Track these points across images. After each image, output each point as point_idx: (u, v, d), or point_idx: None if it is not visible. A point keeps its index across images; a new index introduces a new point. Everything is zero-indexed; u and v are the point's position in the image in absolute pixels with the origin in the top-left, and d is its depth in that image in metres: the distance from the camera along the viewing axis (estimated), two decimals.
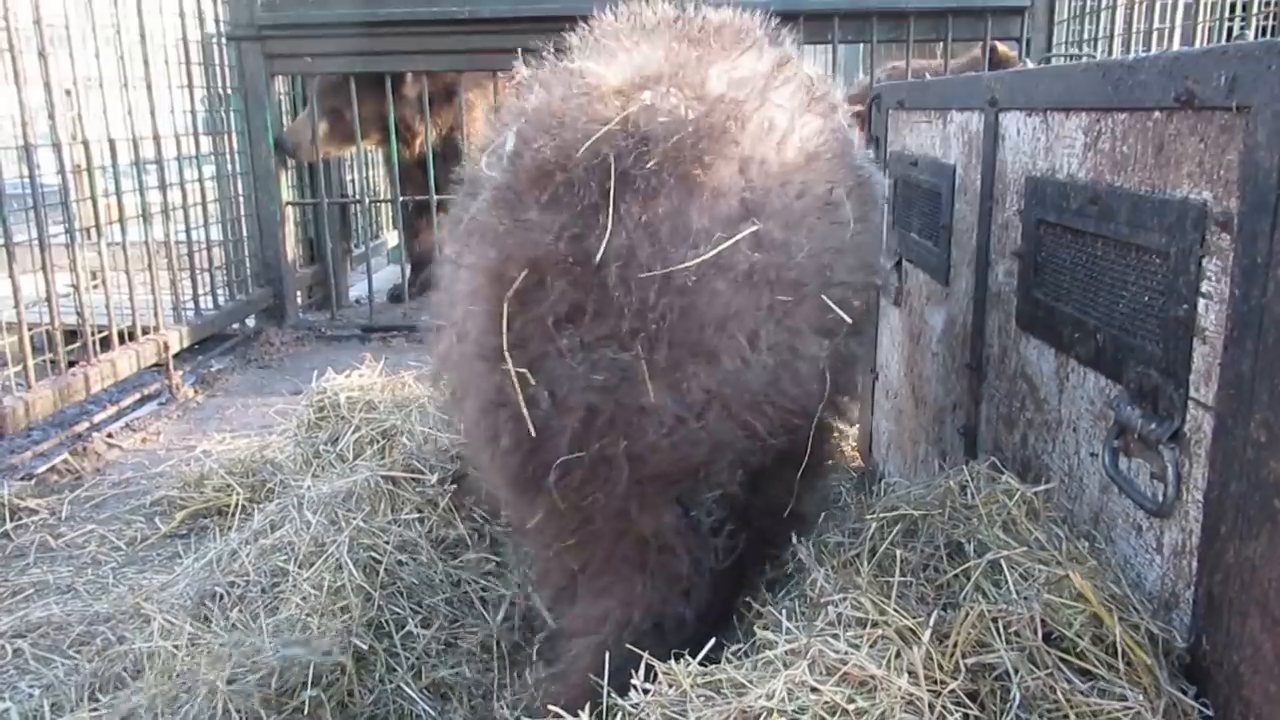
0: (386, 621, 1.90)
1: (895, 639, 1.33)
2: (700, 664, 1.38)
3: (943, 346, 2.22)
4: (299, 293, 5.80)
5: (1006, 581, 1.38)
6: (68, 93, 3.98)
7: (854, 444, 3.11)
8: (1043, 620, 1.29)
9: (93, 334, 3.76)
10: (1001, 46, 5.03)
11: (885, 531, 1.60)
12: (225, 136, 5.19)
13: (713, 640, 1.48)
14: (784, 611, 1.51)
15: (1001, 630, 1.30)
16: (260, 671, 1.79)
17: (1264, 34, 4.62)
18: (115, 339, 3.96)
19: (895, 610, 1.39)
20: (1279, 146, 1.04)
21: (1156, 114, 1.29)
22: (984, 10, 4.88)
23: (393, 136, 5.26)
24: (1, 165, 3.59)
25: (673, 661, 1.38)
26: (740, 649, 1.49)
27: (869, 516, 1.64)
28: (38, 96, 3.62)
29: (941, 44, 5.01)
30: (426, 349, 4.66)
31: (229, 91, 5.21)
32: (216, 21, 5.08)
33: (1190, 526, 1.25)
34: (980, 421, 1.99)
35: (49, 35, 3.64)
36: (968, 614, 1.32)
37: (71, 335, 3.72)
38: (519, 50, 5.06)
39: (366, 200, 6.30)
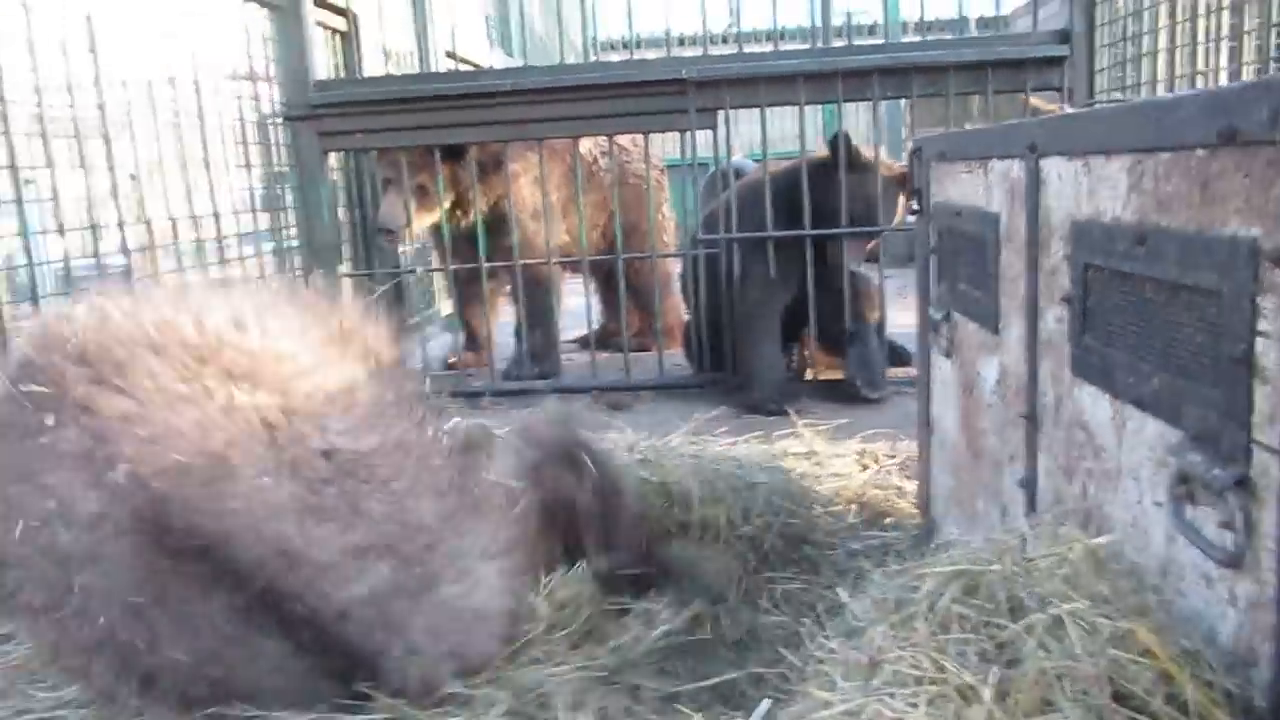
0: None
1: (955, 697, 1.29)
2: None
3: (997, 397, 2.18)
4: None
5: (1070, 637, 1.33)
6: (133, 176, 4.13)
7: (913, 499, 3.06)
8: (1110, 677, 1.24)
9: None
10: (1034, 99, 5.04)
11: (943, 587, 1.55)
12: (282, 212, 5.34)
13: (767, 702, 1.45)
14: (839, 670, 1.48)
15: (1067, 688, 1.25)
16: None
17: None
18: None
19: (954, 667, 1.34)
20: None
21: (1199, 152, 1.27)
22: (1023, 61, 4.88)
23: (442, 205, 5.37)
24: (69, 247, 3.72)
25: None
26: (796, 710, 1.46)
27: (926, 572, 1.60)
28: (103, 180, 3.77)
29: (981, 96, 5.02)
30: (481, 414, 4.69)
31: (285, 169, 5.37)
32: (272, 103, 5.26)
33: (1265, 577, 1.20)
34: (1039, 473, 1.94)
35: (112, 121, 3.79)
36: (1030, 671, 1.28)
37: None
38: (562, 119, 5.19)
39: (419, 270, 6.41)
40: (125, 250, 3.98)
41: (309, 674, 1.78)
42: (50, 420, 1.58)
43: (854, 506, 3.11)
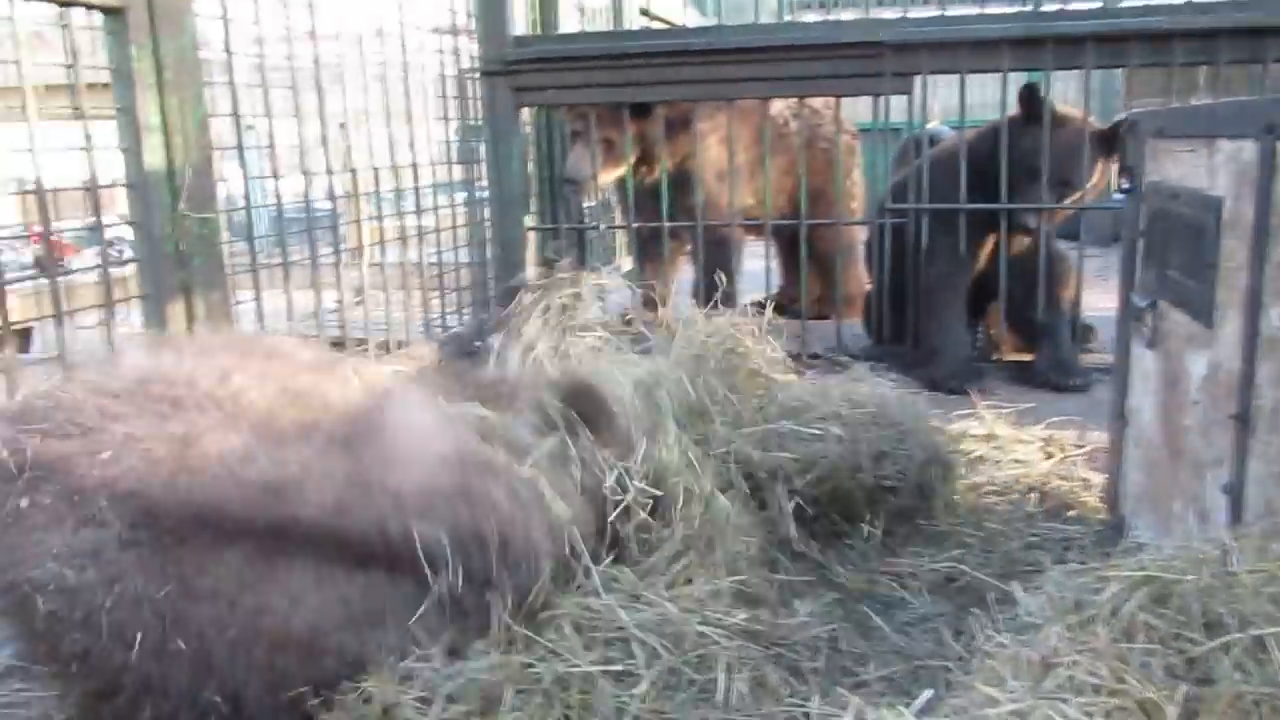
0: None
1: (1136, 711, 1.22)
2: (915, 718, 1.33)
3: (1205, 395, 2.04)
4: None
5: (1274, 662, 1.23)
6: (341, 126, 4.36)
7: (1099, 494, 2.90)
8: None
9: (354, 347, 4.10)
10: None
11: (1130, 593, 1.47)
12: (475, 165, 5.52)
13: (929, 692, 1.42)
14: (1008, 667, 1.42)
15: (1265, 715, 1.17)
16: None
17: None
18: (372, 352, 4.29)
19: (1137, 680, 1.27)
20: None
21: None
22: (1262, 30, 4.43)
23: (628, 161, 5.42)
24: (282, 191, 3.98)
25: (884, 710, 1.33)
26: (959, 703, 1.42)
27: (1111, 575, 1.52)
28: (314, 130, 4.00)
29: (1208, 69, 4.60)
30: None
31: (480, 123, 5.54)
32: (471, 58, 5.42)
33: None
34: (1248, 480, 1.80)
35: (325, 74, 4.01)
36: (1224, 693, 1.19)
37: (335, 347, 4.05)
38: (753, 80, 5.12)
39: (602, 225, 6.51)
40: (331, 196, 4.22)
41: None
42: (26, 487, 1.70)
43: (1034, 495, 2.98)
